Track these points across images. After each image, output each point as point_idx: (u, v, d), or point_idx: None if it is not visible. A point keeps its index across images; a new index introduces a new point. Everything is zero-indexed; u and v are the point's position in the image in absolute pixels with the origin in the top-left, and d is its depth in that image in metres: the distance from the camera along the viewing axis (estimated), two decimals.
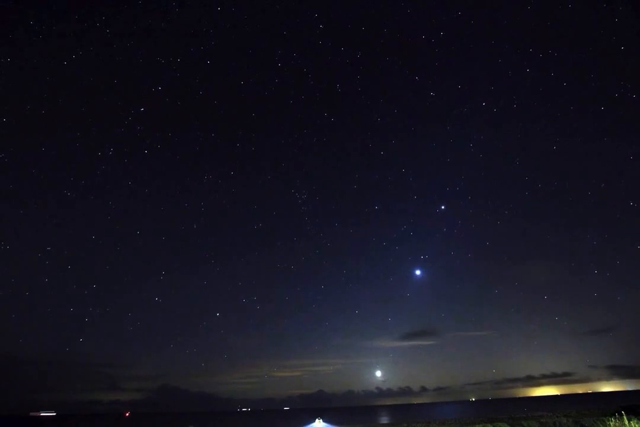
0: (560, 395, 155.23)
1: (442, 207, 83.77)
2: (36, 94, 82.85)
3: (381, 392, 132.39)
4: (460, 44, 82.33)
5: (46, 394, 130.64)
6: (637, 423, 11.07)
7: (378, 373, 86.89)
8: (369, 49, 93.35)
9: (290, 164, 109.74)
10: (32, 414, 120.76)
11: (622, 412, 13.13)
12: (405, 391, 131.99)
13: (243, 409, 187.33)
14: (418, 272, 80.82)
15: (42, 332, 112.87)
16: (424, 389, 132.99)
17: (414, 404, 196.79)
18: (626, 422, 11.34)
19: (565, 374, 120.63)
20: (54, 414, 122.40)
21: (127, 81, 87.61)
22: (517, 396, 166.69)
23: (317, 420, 42.55)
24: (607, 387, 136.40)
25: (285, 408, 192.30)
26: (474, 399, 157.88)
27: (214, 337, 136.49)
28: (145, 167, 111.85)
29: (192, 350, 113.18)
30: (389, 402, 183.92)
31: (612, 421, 12.46)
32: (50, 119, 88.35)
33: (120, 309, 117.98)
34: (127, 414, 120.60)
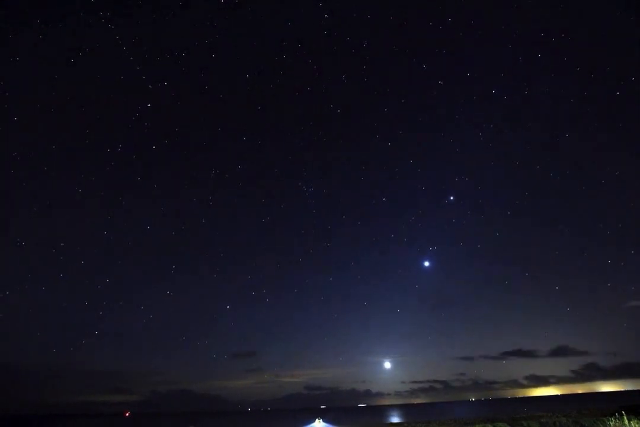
0: (560, 395, 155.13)
1: (451, 198, 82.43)
2: (44, 92, 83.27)
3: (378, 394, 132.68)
4: (469, 29, 77.82)
5: (47, 394, 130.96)
6: (637, 423, 11.05)
7: (387, 364, 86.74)
8: (374, 38, 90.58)
9: (297, 157, 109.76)
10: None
11: (622, 412, 13.11)
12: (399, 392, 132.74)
13: (248, 409, 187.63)
14: (427, 263, 79.74)
15: (57, 326, 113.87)
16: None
17: (413, 404, 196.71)
18: (626, 422, 11.31)
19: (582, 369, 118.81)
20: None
21: (132, 77, 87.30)
22: (517, 396, 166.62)
23: (317, 420, 42.57)
24: (607, 387, 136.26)
25: (285, 408, 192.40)
26: (473, 399, 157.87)
27: (225, 330, 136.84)
28: (154, 162, 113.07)
29: (203, 342, 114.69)
30: (387, 402, 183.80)
31: (612, 421, 12.44)
32: (59, 118, 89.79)
33: (133, 303, 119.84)
34: (127, 414, 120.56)
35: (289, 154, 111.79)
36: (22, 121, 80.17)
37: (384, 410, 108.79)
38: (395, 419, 50.63)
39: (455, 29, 77.91)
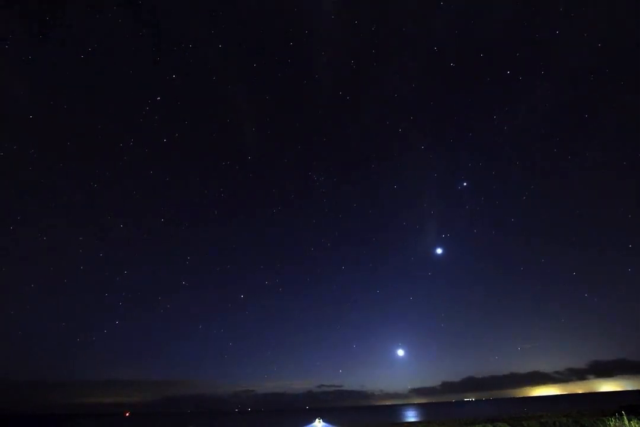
0: (560, 395, 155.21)
1: (464, 184, 79.86)
2: (56, 89, 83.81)
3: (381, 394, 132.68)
4: (482, 7, 71.82)
5: (48, 394, 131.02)
6: (637, 423, 11.06)
7: (400, 351, 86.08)
8: (383, 20, 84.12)
9: (307, 146, 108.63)
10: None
11: (622, 412, 13.12)
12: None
13: (248, 409, 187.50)
14: (439, 251, 78.99)
15: (75, 318, 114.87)
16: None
17: (413, 404, 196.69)
18: (626, 422, 11.33)
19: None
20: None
21: (141, 71, 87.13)
22: (517, 396, 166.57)
23: (317, 420, 42.62)
24: (607, 387, 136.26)
25: (285, 408, 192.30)
26: (474, 399, 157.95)
27: (238, 321, 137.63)
28: (165, 155, 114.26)
29: (220, 331, 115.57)
30: (388, 402, 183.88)
31: (612, 421, 12.45)
32: (70, 114, 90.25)
33: (150, 293, 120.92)
34: (127, 414, 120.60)
35: (299, 144, 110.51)
36: (35, 119, 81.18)
37: (385, 410, 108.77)
38: (396, 419, 50.65)
39: (467, 7, 69.64)
